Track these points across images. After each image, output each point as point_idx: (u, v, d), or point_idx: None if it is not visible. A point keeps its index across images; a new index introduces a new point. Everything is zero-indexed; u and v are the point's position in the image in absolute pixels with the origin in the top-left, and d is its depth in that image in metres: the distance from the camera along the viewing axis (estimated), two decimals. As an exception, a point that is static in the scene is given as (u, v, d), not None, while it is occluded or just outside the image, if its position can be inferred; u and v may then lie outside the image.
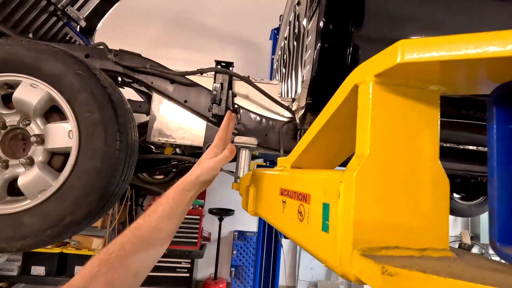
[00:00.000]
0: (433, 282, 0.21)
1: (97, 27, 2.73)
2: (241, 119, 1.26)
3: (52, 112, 0.99)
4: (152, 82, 1.26)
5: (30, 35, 2.09)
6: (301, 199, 0.39)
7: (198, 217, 3.68)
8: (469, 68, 0.25)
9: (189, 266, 3.53)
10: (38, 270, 3.18)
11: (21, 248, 0.89)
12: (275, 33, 3.81)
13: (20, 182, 0.90)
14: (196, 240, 3.62)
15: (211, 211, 3.92)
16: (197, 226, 3.66)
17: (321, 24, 0.96)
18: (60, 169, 0.96)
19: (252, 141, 1.16)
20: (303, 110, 1.06)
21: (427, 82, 0.29)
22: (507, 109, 0.27)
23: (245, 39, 4.53)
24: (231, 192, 4.13)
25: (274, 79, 2.87)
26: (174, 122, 1.30)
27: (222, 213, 3.94)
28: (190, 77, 1.28)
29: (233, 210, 4.03)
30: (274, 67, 2.97)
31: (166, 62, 1.35)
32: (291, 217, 0.42)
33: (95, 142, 0.92)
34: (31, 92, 0.93)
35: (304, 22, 1.29)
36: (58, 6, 2.20)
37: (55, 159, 0.98)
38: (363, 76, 0.29)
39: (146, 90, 1.83)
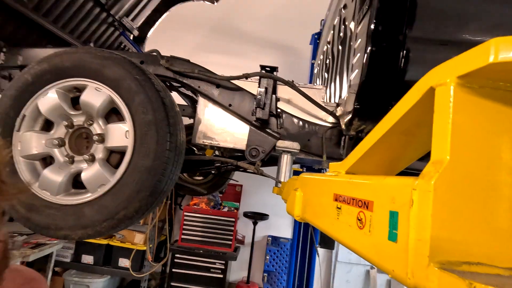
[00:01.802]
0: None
1: (148, 35, 2.94)
2: (284, 124, 1.26)
3: (111, 114, 1.08)
4: (199, 86, 1.32)
5: (91, 44, 2.31)
6: (361, 206, 0.37)
7: (233, 219, 3.73)
8: None
9: (223, 267, 3.58)
10: (87, 259, 3.45)
11: (81, 237, 0.97)
12: (316, 37, 3.77)
13: (84, 176, 0.99)
14: (230, 242, 3.67)
15: (245, 215, 3.96)
16: (232, 228, 3.71)
17: (372, 26, 0.93)
18: (116, 166, 1.04)
19: (294, 145, 1.16)
20: (349, 116, 1.03)
21: (519, 84, 0.27)
22: None
23: (285, 44, 4.54)
24: (266, 197, 4.14)
25: (314, 83, 2.83)
26: (218, 125, 1.34)
27: (257, 217, 3.95)
28: (235, 82, 1.31)
29: (268, 215, 4.02)
30: (315, 71, 2.93)
31: (207, 67, 1.40)
32: (348, 224, 0.41)
33: (148, 142, 0.98)
34: (95, 95, 1.02)
35: (352, 25, 1.26)
36: (116, 17, 2.41)
37: (113, 157, 1.06)
38: (442, 78, 0.27)
39: (190, 94, 1.92)
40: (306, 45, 4.18)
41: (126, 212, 0.98)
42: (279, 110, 1.26)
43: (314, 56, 3.64)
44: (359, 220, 0.38)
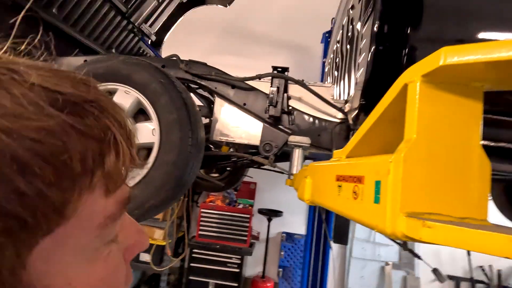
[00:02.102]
0: (465, 233, 0.27)
1: (164, 40, 3.09)
2: (295, 120, 1.35)
3: (139, 114, 1.20)
4: (215, 88, 1.42)
5: (113, 51, 2.47)
6: (356, 181, 0.46)
7: (248, 216, 3.83)
8: (504, 67, 0.30)
9: (239, 262, 3.69)
10: (111, 253, 3.64)
11: (115, 223, 1.09)
12: (327, 36, 3.82)
13: (117, 170, 1.12)
14: (245, 238, 3.78)
15: (260, 211, 4.05)
16: (247, 224, 3.81)
17: (375, 28, 1.00)
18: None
19: (305, 140, 1.24)
20: (356, 111, 1.11)
21: (470, 80, 0.35)
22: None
23: (296, 43, 4.60)
24: (280, 194, 4.21)
25: (326, 81, 2.89)
26: (234, 123, 1.44)
27: (271, 213, 4.04)
28: (249, 82, 1.41)
29: (282, 212, 4.10)
30: (326, 70, 2.99)
31: (221, 69, 1.50)
32: (347, 198, 0.49)
33: (172, 138, 1.09)
34: (125, 97, 1.14)
35: (358, 25, 1.33)
36: (135, 24, 2.56)
37: (141, 152, 1.18)
38: (412, 77, 0.36)
39: (206, 95, 2.03)
40: (318, 44, 4.23)
41: (154, 202, 1.09)
42: (290, 108, 1.35)
43: (325, 55, 3.69)
44: (354, 192, 0.47)
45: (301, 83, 1.32)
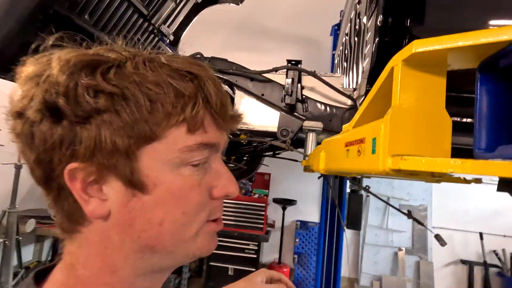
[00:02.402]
0: (428, 161, 0.43)
1: (181, 39, 3.27)
2: (308, 108, 1.49)
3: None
4: (236, 81, 1.58)
5: (136, 51, 2.66)
6: (359, 142, 0.61)
7: (264, 204, 4.01)
8: (454, 53, 0.45)
9: (256, 248, 3.89)
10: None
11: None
12: (336, 29, 3.91)
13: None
14: (262, 226, 3.96)
15: (275, 200, 4.22)
16: (263, 212, 3.99)
17: (378, 22, 1.13)
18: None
19: (318, 125, 1.39)
20: (363, 97, 1.24)
21: (435, 62, 0.49)
22: (485, 75, 0.46)
23: (306, 37, 4.70)
24: (293, 184, 4.36)
25: (335, 73, 3.01)
26: (253, 112, 1.60)
27: (285, 202, 4.20)
28: (266, 75, 1.56)
29: (295, 201, 4.26)
30: (335, 62, 3.10)
31: (237, 65, 1.65)
32: (353, 157, 0.65)
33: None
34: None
35: (365, 19, 1.45)
36: (156, 25, 2.75)
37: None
38: (396, 62, 0.51)
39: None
40: (327, 37, 4.31)
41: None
42: (304, 97, 1.49)
43: (334, 47, 3.79)
44: (358, 151, 0.62)
45: (313, 74, 1.46)
